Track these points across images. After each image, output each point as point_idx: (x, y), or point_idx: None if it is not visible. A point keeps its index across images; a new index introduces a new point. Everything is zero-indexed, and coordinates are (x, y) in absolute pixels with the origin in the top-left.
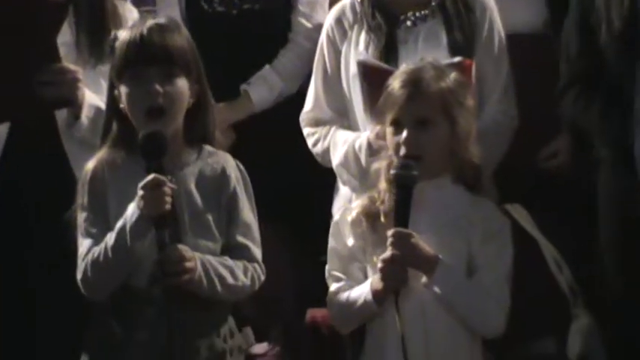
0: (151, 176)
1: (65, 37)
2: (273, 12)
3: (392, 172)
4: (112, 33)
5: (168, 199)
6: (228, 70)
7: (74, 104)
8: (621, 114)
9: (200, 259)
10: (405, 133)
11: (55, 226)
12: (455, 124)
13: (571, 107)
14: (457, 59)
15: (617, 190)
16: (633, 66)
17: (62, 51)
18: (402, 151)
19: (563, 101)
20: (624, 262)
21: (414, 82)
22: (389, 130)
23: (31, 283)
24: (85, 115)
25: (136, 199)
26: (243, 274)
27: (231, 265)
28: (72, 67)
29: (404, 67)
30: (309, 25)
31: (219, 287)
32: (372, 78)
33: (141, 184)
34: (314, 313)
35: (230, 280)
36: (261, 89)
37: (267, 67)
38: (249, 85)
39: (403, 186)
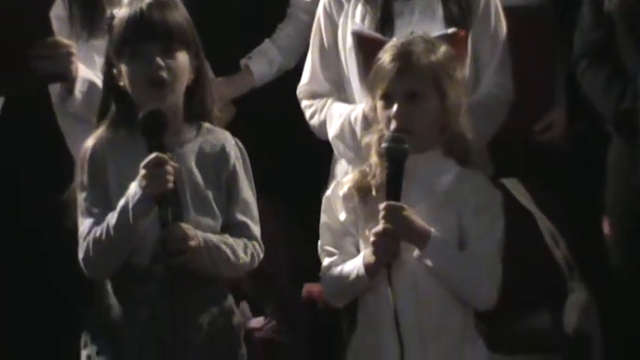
0: (152, 155)
1: (58, 10)
2: None
3: (383, 145)
4: (108, 11)
5: (171, 177)
6: (228, 45)
7: (67, 78)
8: (625, 85)
9: (202, 237)
10: (395, 107)
11: (52, 203)
12: (445, 97)
13: (581, 78)
14: (451, 30)
15: (622, 160)
16: (635, 36)
17: (55, 25)
18: (393, 124)
19: (575, 72)
20: (630, 233)
21: (404, 55)
22: (379, 103)
23: (29, 261)
24: (79, 89)
25: (138, 177)
26: (244, 252)
27: (232, 243)
28: (65, 41)
29: (394, 41)
30: None
31: (220, 265)
32: (367, 49)
33: (143, 163)
34: (310, 288)
35: (231, 258)
36: (262, 63)
37: (266, 41)
38: (249, 59)
39: (394, 159)
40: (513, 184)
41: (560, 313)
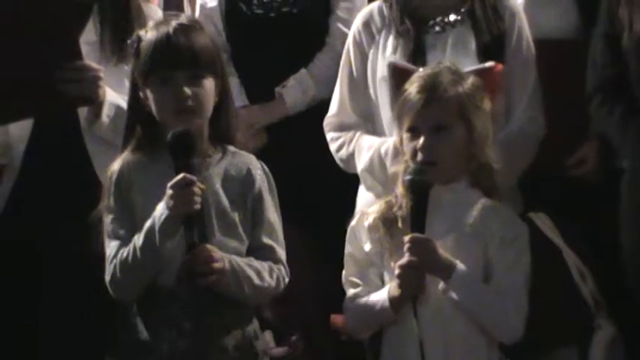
0: (180, 175)
1: (89, 35)
2: (311, 16)
3: (406, 177)
4: (134, 34)
5: (198, 198)
6: (265, 72)
7: (95, 102)
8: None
9: (228, 259)
10: (421, 140)
11: (78, 225)
12: (472, 128)
13: (595, 114)
14: (489, 64)
15: (637, 198)
16: None
17: (86, 50)
18: (419, 156)
19: (589, 108)
20: None
21: (431, 87)
22: (405, 135)
23: (52, 284)
24: (106, 113)
25: (165, 198)
26: (269, 275)
27: (257, 266)
28: (94, 65)
29: (421, 72)
30: (346, 30)
31: (246, 288)
32: (402, 80)
33: (170, 184)
34: (336, 319)
35: (256, 280)
36: (296, 92)
37: (302, 70)
38: (284, 87)
39: (418, 191)
40: (541, 219)
41: (586, 349)
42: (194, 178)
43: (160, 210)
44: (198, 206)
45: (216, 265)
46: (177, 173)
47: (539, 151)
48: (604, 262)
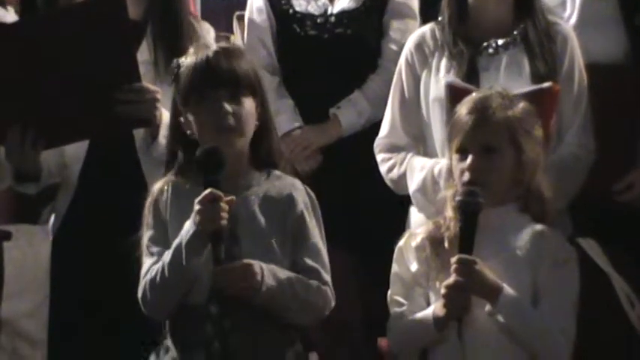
0: (207, 191)
1: (143, 55)
2: (365, 37)
3: (457, 198)
4: (174, 60)
5: (225, 214)
6: (319, 93)
7: (152, 124)
8: None
9: (272, 271)
10: (469, 159)
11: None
12: (521, 152)
13: None
14: (546, 84)
15: None
16: None
17: (141, 70)
18: (466, 176)
19: None
20: None
21: (480, 109)
22: (455, 156)
23: (102, 302)
24: (163, 135)
25: (193, 214)
26: (316, 293)
27: (306, 281)
28: (152, 87)
29: (472, 95)
30: (398, 51)
31: (291, 302)
32: (458, 100)
33: (197, 199)
34: (382, 343)
35: (303, 295)
36: (350, 114)
37: (356, 91)
38: (338, 109)
39: (468, 213)
40: (589, 244)
41: None
42: (221, 193)
43: (187, 226)
44: (224, 222)
45: (252, 277)
46: (205, 188)
47: (588, 176)
48: None
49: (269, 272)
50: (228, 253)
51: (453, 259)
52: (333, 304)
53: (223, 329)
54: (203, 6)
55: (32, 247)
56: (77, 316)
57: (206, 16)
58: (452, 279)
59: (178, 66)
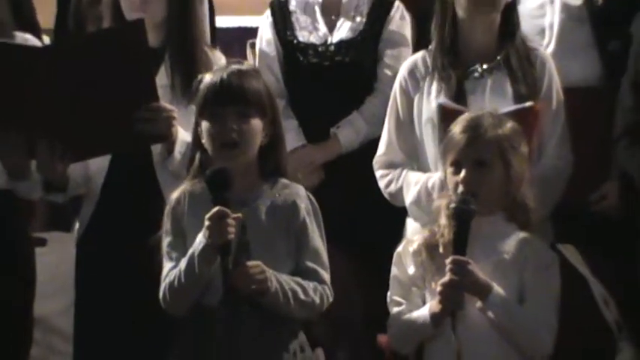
0: (215, 209)
1: (162, 79)
2: (362, 63)
3: (451, 205)
4: (199, 76)
5: (232, 229)
6: (320, 114)
7: (168, 140)
8: None
9: (274, 275)
10: (463, 172)
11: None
12: (509, 167)
13: (621, 156)
14: (529, 104)
15: None
16: None
17: (159, 92)
18: (460, 188)
19: (616, 149)
20: None
21: (473, 127)
22: (449, 170)
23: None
24: (178, 150)
25: (203, 229)
26: (314, 292)
27: (303, 283)
28: (168, 106)
29: (465, 115)
30: (392, 75)
31: (292, 301)
32: (449, 119)
33: (207, 216)
34: (381, 339)
35: (302, 295)
36: (349, 132)
37: (354, 112)
38: (338, 128)
39: (462, 218)
40: (569, 250)
41: None
42: (228, 210)
43: (199, 239)
44: (232, 236)
45: (260, 276)
46: (214, 206)
47: (567, 188)
48: (626, 291)
49: (271, 274)
50: (239, 260)
51: (448, 260)
52: (331, 299)
53: (233, 330)
54: (217, 35)
55: (64, 253)
56: (99, 318)
57: (220, 45)
58: (447, 277)
59: (200, 81)
